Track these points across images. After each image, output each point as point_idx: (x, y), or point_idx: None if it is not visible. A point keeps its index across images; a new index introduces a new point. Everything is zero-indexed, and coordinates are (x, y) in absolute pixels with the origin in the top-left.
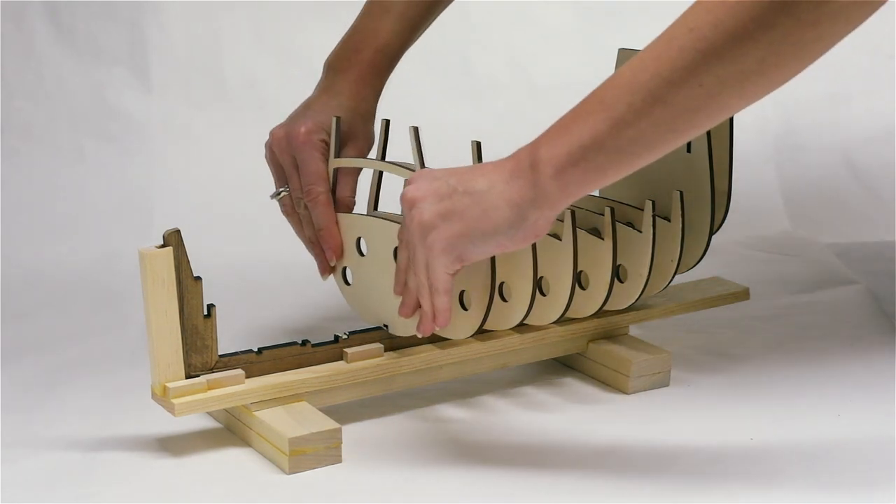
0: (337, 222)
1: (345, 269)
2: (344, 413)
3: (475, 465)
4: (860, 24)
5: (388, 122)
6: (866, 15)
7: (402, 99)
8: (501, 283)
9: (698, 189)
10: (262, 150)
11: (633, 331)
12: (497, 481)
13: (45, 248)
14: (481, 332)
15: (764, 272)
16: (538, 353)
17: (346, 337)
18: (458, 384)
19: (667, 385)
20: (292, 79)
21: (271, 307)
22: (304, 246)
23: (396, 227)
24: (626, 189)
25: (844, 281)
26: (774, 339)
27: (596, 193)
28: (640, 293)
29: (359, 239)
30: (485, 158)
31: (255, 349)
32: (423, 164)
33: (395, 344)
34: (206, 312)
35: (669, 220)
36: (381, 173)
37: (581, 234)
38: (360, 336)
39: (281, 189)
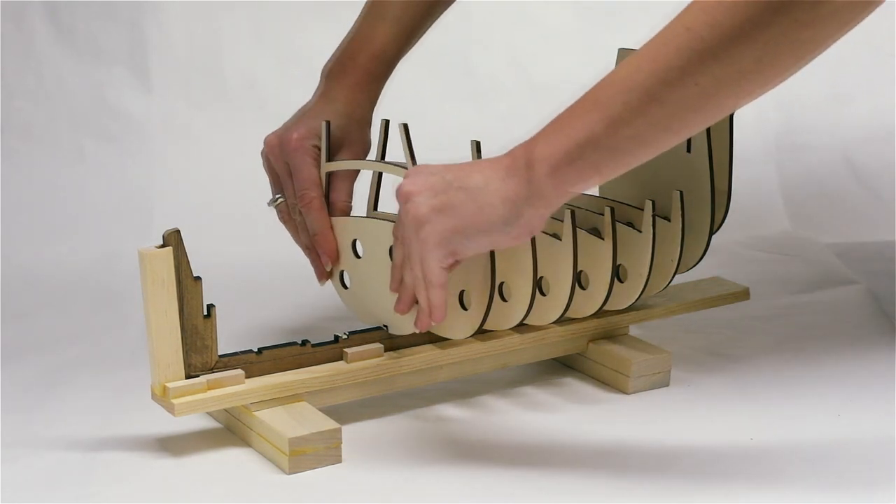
0: (332, 227)
1: (342, 272)
2: (344, 413)
3: (475, 465)
4: (857, 24)
5: (387, 122)
6: (862, 15)
7: (402, 99)
8: (501, 283)
9: (698, 189)
10: (262, 150)
11: (633, 331)
12: (497, 481)
13: (45, 248)
14: (481, 332)
15: (764, 272)
16: (538, 353)
17: (345, 337)
18: (458, 384)
19: (667, 385)
20: (292, 79)
21: (271, 307)
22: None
23: (390, 226)
24: (626, 189)
25: (844, 281)
26: (774, 339)
27: (596, 193)
28: (640, 293)
29: (354, 241)
30: (484, 157)
31: (255, 349)
32: (413, 161)
33: (394, 344)
34: (205, 312)
35: (669, 220)
36: (380, 174)
37: (581, 233)
38: (360, 336)
39: (277, 196)
